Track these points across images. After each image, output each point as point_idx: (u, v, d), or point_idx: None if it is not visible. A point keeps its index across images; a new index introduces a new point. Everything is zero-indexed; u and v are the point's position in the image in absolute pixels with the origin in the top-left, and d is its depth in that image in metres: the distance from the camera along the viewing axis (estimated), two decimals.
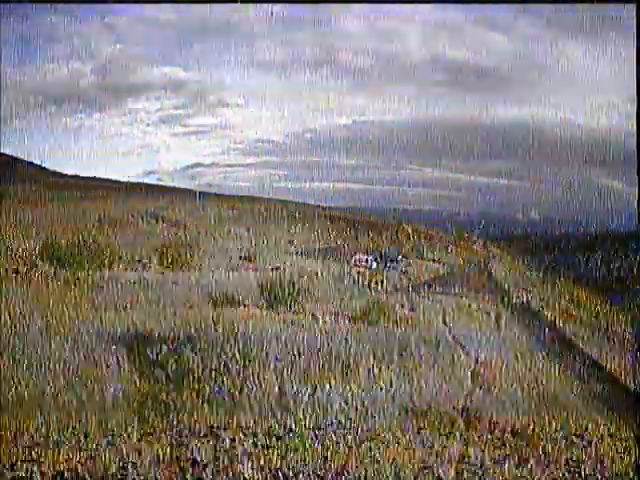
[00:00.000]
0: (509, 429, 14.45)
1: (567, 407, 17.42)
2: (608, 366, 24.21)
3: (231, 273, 33.80)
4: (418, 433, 11.94)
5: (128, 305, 17.91)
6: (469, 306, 33.62)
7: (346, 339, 18.57)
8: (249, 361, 13.14)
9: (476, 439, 13.10)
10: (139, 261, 30.82)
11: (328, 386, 13.29)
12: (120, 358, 11.97)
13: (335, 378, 14.03)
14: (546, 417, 15.78)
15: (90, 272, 22.14)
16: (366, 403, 12.84)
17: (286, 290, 24.37)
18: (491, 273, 58.47)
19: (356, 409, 12.18)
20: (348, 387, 13.79)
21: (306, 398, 12.21)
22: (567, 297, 48.40)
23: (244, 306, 22.66)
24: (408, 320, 26.03)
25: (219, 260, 48.72)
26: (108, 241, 30.48)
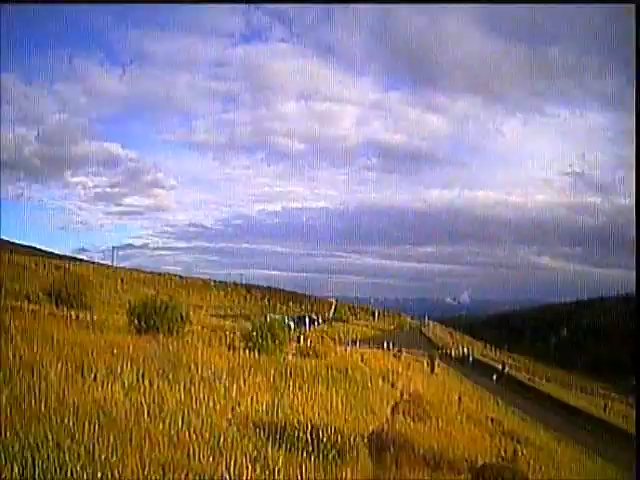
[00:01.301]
0: (465, 465, 8.39)
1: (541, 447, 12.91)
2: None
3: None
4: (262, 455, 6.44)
5: None
6: (399, 353, 27.63)
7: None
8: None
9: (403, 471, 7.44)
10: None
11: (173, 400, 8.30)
12: None
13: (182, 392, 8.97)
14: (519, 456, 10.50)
15: None
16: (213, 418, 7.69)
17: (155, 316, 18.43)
18: (424, 334, 53.65)
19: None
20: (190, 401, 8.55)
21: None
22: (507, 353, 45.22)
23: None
24: (315, 353, 19.02)
25: (114, 307, 42.98)
26: None
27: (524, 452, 10.48)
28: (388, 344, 35.61)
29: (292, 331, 44.10)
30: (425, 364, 25.23)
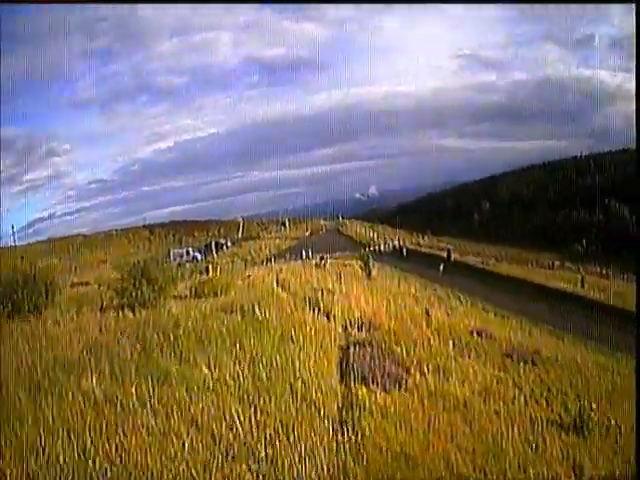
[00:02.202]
0: None
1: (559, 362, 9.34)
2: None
3: None
4: None
5: None
6: (321, 261, 23.04)
7: None
8: None
9: None
10: None
11: None
12: None
13: None
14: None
15: None
16: None
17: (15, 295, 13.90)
18: (342, 233, 49.79)
19: None
20: None
21: None
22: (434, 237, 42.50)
23: None
24: (213, 289, 13.81)
25: None
26: None
27: (593, 407, 5.90)
28: (307, 252, 30.91)
29: (200, 262, 39.06)
30: (357, 268, 20.60)
